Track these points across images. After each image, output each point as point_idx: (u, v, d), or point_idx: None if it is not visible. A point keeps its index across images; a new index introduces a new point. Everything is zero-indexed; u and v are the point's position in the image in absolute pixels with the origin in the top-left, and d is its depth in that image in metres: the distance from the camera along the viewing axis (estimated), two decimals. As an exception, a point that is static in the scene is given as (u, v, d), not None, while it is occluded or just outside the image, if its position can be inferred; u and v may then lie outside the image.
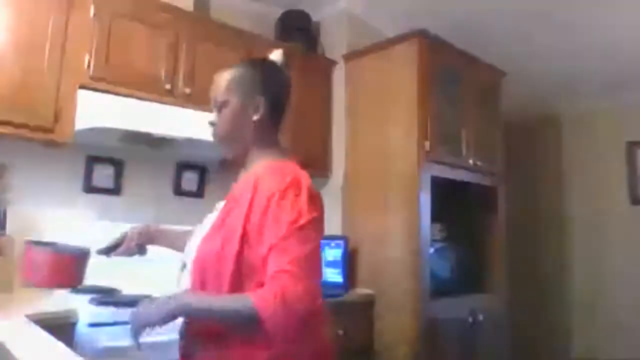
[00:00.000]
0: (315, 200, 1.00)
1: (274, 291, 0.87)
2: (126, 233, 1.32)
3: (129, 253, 1.31)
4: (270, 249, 0.92)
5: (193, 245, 1.08)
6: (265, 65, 1.19)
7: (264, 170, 1.05)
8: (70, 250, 1.51)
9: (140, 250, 1.33)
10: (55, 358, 1.00)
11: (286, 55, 1.23)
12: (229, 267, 0.96)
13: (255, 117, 1.11)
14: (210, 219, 1.12)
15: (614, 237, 3.72)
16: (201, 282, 1.00)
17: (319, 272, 0.99)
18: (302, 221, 0.95)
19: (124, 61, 2.02)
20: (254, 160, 1.12)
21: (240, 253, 0.96)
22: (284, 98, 1.17)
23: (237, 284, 0.96)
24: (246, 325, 0.92)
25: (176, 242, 1.34)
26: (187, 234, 1.33)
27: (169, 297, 0.95)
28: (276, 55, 1.21)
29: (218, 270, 0.98)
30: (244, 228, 0.97)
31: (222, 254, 0.98)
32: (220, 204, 1.14)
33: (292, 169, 1.05)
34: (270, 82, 1.14)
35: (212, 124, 1.15)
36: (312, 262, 0.95)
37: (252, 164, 1.12)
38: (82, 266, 1.47)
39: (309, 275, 0.91)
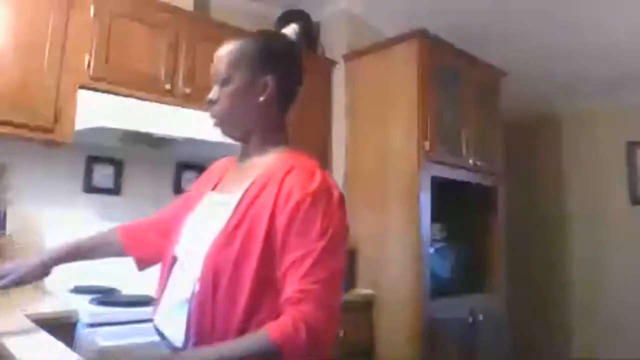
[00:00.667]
0: (342, 205, 0.92)
1: (294, 322, 0.79)
2: (19, 264, 1.13)
3: (23, 283, 1.13)
4: (293, 262, 0.83)
5: (191, 241, 0.97)
6: (277, 39, 1.05)
7: (284, 165, 0.94)
8: None
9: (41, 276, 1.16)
10: (55, 358, 1.00)
11: (301, 32, 1.08)
12: (250, 272, 0.86)
13: (261, 98, 0.99)
14: (209, 211, 1.00)
15: (614, 237, 3.72)
16: (214, 289, 0.88)
17: (342, 288, 0.90)
18: (331, 231, 0.85)
19: (123, 61, 2.02)
20: (258, 148, 1.02)
21: (263, 257, 0.86)
22: (296, 79, 1.05)
23: (258, 292, 0.86)
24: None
25: (94, 253, 1.22)
26: (106, 238, 1.22)
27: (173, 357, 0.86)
28: (290, 30, 1.07)
29: (236, 276, 0.87)
30: (268, 230, 0.87)
31: (241, 258, 0.87)
32: (212, 195, 1.04)
33: (315, 165, 0.95)
34: (281, 60, 1.01)
35: (211, 101, 1.02)
36: (338, 279, 0.86)
37: (258, 153, 1.01)
38: None
39: (333, 297, 0.83)
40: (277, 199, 0.89)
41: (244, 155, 1.05)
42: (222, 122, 1.02)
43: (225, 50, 1.01)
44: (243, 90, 0.99)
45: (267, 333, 0.79)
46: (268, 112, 1.01)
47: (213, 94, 1.02)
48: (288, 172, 0.92)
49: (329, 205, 0.88)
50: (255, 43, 1.01)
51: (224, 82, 1.00)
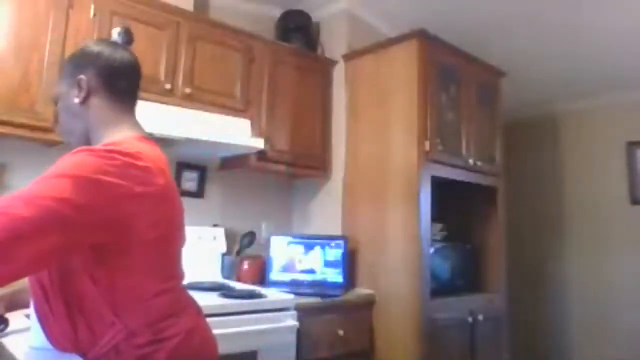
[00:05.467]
0: (97, 169, 0.81)
1: None
2: None
3: None
4: None
5: None
6: (89, 45, 1.08)
7: None
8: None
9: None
10: (55, 358, 1.00)
11: (128, 30, 1.12)
12: (54, 272, 0.87)
13: (76, 99, 1.01)
14: None
15: (614, 237, 3.72)
16: (38, 290, 0.90)
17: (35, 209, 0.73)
18: (61, 172, 0.79)
19: (124, 61, 2.02)
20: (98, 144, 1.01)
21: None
22: (119, 71, 1.06)
23: (61, 286, 0.87)
24: None
25: (21, 299, 1.19)
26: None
27: None
28: (114, 34, 1.11)
29: (51, 278, 0.88)
30: None
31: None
32: None
33: (115, 144, 0.91)
34: (94, 58, 1.03)
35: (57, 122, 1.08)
36: (26, 197, 0.74)
37: None
38: None
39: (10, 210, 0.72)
40: None
41: None
42: (67, 136, 1.07)
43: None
44: (65, 100, 1.03)
45: None
46: (95, 110, 1.03)
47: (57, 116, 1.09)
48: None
49: (85, 156, 0.83)
50: (71, 55, 1.08)
51: (55, 102, 1.07)
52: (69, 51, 1.89)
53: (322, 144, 2.75)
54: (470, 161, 2.64)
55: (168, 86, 2.13)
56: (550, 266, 4.04)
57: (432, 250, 2.42)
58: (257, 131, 2.42)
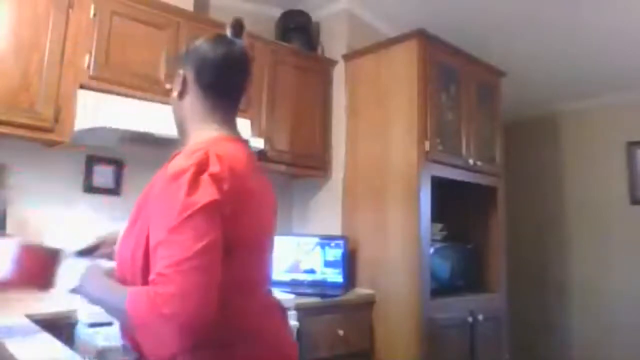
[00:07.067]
0: (218, 181, 0.84)
1: (146, 290, 0.77)
2: (103, 237, 1.18)
3: (107, 257, 1.15)
4: (156, 246, 0.80)
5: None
6: (195, 41, 1.06)
7: (182, 151, 0.94)
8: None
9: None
10: (55, 358, 1.00)
11: (239, 21, 1.08)
12: (140, 260, 0.85)
13: (175, 93, 1.03)
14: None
15: (614, 237, 3.72)
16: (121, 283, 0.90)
17: (209, 271, 0.79)
18: (194, 209, 0.80)
19: (124, 61, 2.02)
20: (189, 142, 1.03)
21: (147, 250, 0.84)
22: (208, 65, 1.00)
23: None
24: (124, 321, 0.84)
25: None
26: None
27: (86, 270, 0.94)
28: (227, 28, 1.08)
29: (134, 271, 0.87)
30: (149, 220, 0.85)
31: (136, 248, 0.87)
32: None
33: (209, 145, 0.91)
34: (191, 53, 1.03)
35: None
36: (198, 258, 0.77)
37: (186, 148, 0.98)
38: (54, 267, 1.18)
39: (191, 278, 0.76)
40: (155, 186, 0.90)
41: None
42: (175, 130, 1.10)
43: None
44: (172, 94, 1.05)
45: (126, 291, 0.82)
46: (188, 105, 1.03)
47: None
48: (174, 157, 0.93)
49: (195, 178, 0.83)
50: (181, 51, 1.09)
51: None
52: (69, 51, 1.89)
53: (322, 144, 2.75)
54: (470, 161, 2.64)
55: (168, 86, 2.12)
56: (550, 266, 4.04)
57: (432, 250, 2.42)
58: (257, 131, 2.42)
